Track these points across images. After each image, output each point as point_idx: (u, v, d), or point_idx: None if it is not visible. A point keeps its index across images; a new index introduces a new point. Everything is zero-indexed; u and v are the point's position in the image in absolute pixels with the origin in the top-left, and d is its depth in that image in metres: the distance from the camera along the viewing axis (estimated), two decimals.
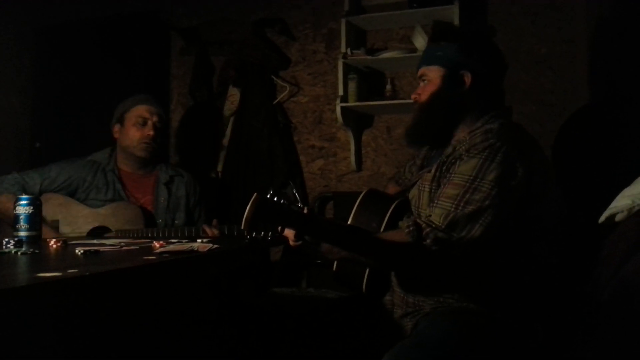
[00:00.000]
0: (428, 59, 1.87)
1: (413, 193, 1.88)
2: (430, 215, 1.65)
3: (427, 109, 1.86)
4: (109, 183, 2.68)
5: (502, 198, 1.62)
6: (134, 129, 2.70)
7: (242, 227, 1.47)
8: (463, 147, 1.75)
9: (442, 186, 1.72)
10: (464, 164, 1.69)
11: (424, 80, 1.88)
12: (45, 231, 2.43)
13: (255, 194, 1.47)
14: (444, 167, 1.77)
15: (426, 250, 1.61)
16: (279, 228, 1.54)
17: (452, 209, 1.62)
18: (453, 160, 1.75)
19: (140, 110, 2.73)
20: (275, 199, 1.50)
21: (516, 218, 1.67)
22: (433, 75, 1.85)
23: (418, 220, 1.65)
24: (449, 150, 1.80)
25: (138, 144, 2.70)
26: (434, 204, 1.68)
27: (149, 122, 2.71)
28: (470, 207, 1.61)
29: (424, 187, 1.80)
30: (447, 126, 1.84)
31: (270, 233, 1.51)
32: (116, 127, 2.76)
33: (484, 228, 1.61)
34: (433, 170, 1.80)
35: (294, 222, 1.53)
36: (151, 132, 2.70)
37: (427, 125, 1.87)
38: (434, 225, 1.62)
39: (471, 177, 1.65)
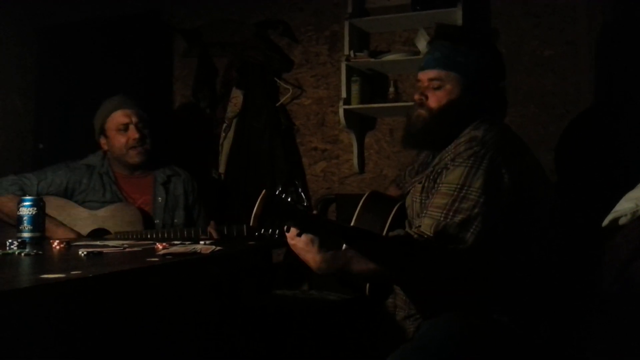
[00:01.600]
0: (445, 62, 1.79)
1: (408, 202, 1.88)
2: (420, 226, 1.65)
3: (442, 115, 1.80)
4: (106, 185, 2.67)
5: (490, 205, 1.62)
6: (118, 136, 2.68)
7: (251, 224, 1.46)
8: (448, 157, 1.74)
9: (430, 197, 1.71)
10: (450, 173, 1.69)
11: (436, 86, 1.81)
12: (54, 229, 2.45)
13: (264, 191, 1.47)
14: (431, 177, 1.77)
15: (430, 244, 1.61)
16: (285, 227, 1.53)
17: (442, 219, 1.63)
18: (439, 170, 1.74)
19: (117, 117, 2.70)
20: (283, 196, 1.50)
21: (510, 221, 1.67)
22: (450, 81, 1.79)
23: (409, 232, 1.65)
24: (436, 160, 1.80)
25: (127, 150, 2.67)
26: (424, 214, 1.68)
27: (130, 126, 2.68)
28: (460, 216, 1.62)
29: (416, 198, 1.81)
30: (454, 133, 1.80)
31: (277, 231, 1.51)
32: (102, 140, 2.75)
33: (475, 236, 1.61)
34: (423, 181, 1.80)
35: (301, 220, 1.52)
36: (136, 135, 2.67)
37: (437, 132, 1.82)
38: (425, 236, 1.62)
39: (458, 186, 1.64)
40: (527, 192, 1.69)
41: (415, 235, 1.63)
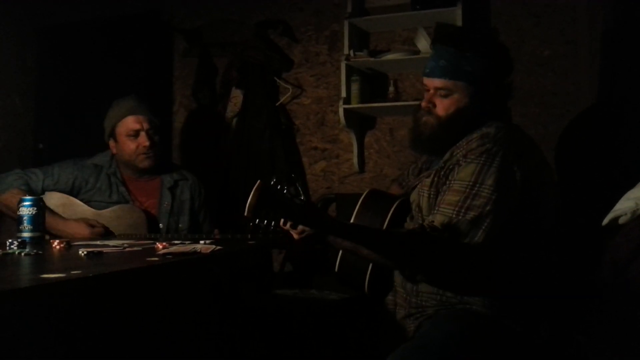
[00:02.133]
0: (452, 71, 1.75)
1: (413, 197, 1.88)
2: (432, 222, 1.65)
3: (450, 124, 1.78)
4: (113, 186, 2.65)
5: (501, 203, 1.63)
6: (128, 142, 2.64)
7: (245, 214, 1.46)
8: (460, 153, 1.74)
9: (441, 193, 1.72)
10: (462, 170, 1.69)
11: (443, 94, 1.78)
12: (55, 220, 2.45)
13: (258, 181, 1.46)
14: (442, 173, 1.76)
15: (429, 238, 1.61)
16: (282, 221, 1.53)
17: (454, 216, 1.63)
18: (451, 167, 1.74)
19: (129, 122, 2.65)
20: (278, 187, 1.49)
21: (516, 219, 1.67)
22: (457, 90, 1.76)
23: (424, 224, 1.65)
24: (447, 156, 1.79)
25: (136, 156, 2.65)
26: (436, 211, 1.68)
27: (141, 133, 2.64)
28: (472, 213, 1.62)
29: (423, 192, 1.80)
30: (462, 137, 1.79)
31: (272, 222, 1.50)
32: (111, 143, 2.71)
33: (486, 234, 1.62)
34: (432, 176, 1.80)
35: (295, 211, 1.51)
36: (146, 143, 2.64)
37: (447, 139, 1.80)
38: (437, 232, 1.62)
39: (470, 183, 1.65)
40: (536, 190, 1.70)
41: (428, 229, 1.63)
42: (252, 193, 1.45)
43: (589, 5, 2.99)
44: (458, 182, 1.67)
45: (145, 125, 2.66)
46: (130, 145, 2.65)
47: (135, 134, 2.64)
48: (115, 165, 2.71)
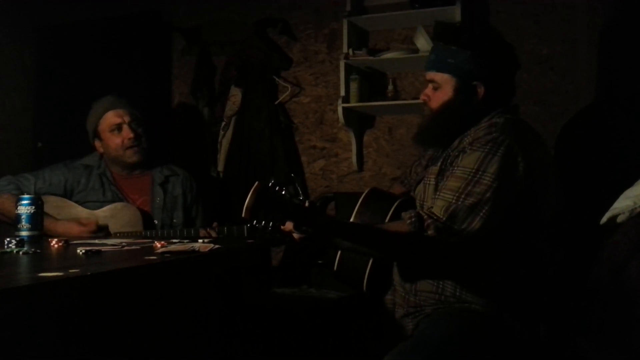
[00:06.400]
0: (438, 64, 1.82)
1: (419, 189, 1.88)
2: (432, 207, 1.66)
3: (438, 117, 1.83)
4: (105, 185, 2.65)
5: (502, 191, 1.64)
6: (113, 137, 2.63)
7: (243, 215, 1.46)
8: (467, 141, 1.75)
9: (444, 179, 1.72)
10: (466, 157, 1.70)
11: (435, 87, 1.83)
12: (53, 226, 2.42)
13: (256, 183, 1.47)
14: (449, 160, 1.78)
15: (427, 241, 1.61)
16: (280, 218, 1.53)
17: (453, 201, 1.64)
18: (457, 153, 1.76)
19: (109, 118, 2.65)
20: (276, 188, 1.50)
21: (515, 212, 1.68)
22: (444, 83, 1.81)
23: (420, 212, 1.65)
24: (455, 143, 1.81)
25: (124, 151, 2.64)
26: (436, 196, 1.69)
27: (124, 126, 2.63)
28: (471, 199, 1.63)
29: (430, 180, 1.81)
30: (458, 132, 1.82)
31: (270, 223, 1.50)
32: (97, 143, 2.71)
33: (484, 221, 1.62)
34: (439, 164, 1.81)
35: (294, 212, 1.52)
36: (130, 135, 2.63)
37: (437, 132, 1.85)
38: (435, 217, 1.62)
39: (473, 170, 1.66)
40: (536, 184, 1.70)
41: (425, 216, 1.63)
42: (249, 194, 1.45)
43: (588, 3, 2.99)
44: (461, 169, 1.69)
45: (127, 118, 2.65)
46: (115, 140, 2.64)
47: (118, 127, 2.64)
48: (105, 165, 2.70)
